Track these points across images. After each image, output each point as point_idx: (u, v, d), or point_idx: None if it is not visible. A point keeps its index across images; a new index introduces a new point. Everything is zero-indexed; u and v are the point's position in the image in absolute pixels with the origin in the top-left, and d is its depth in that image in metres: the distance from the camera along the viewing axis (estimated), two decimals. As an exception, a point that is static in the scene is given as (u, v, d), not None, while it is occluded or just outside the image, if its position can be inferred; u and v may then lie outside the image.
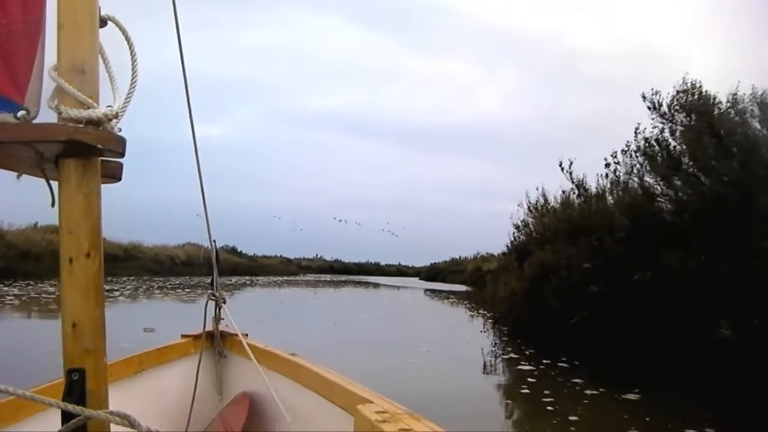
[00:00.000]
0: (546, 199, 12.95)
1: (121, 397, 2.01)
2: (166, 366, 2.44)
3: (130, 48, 1.07)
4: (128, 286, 19.36)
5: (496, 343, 9.75)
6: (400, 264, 79.35)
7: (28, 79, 0.99)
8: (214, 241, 2.53)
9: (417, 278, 58.39)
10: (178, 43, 1.84)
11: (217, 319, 2.58)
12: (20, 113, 0.96)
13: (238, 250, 45.65)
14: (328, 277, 50.20)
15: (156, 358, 2.40)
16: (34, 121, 0.97)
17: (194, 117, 1.80)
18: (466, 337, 10.39)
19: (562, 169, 10.91)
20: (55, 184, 0.96)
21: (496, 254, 34.42)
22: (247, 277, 35.38)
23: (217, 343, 2.63)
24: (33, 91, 0.99)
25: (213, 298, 2.51)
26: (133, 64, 1.06)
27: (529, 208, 13.71)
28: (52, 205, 0.96)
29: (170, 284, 22.56)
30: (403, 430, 1.26)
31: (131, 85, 1.05)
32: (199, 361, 2.40)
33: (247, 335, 2.58)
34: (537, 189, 13.26)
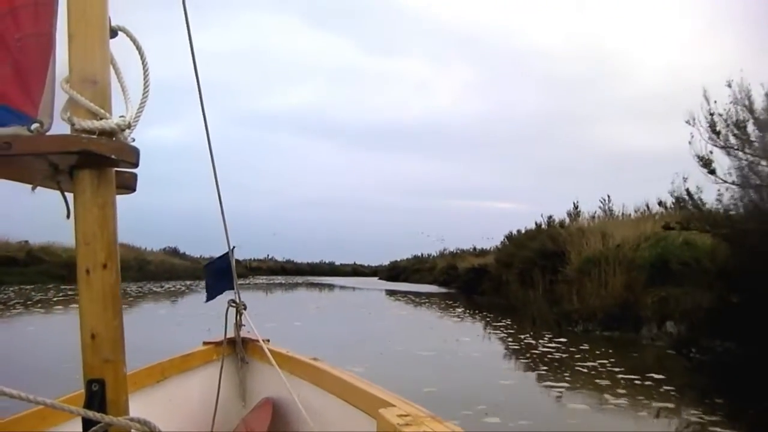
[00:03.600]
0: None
1: (144, 405, 2.02)
2: (188, 373, 2.46)
3: (141, 58, 1.07)
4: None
5: None
6: (355, 263, 77.05)
7: (41, 91, 0.99)
8: (234, 247, 2.53)
9: (376, 278, 54.62)
10: (190, 51, 1.84)
11: (239, 325, 2.60)
12: (34, 126, 0.96)
13: (180, 252, 42.23)
14: (281, 279, 46.24)
15: (178, 366, 2.41)
16: (48, 133, 0.97)
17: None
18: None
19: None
20: (70, 195, 0.96)
21: (466, 249, 31.98)
22: (188, 282, 30.99)
23: (238, 349, 2.64)
24: (46, 103, 0.99)
25: (233, 305, 2.53)
26: (144, 74, 1.06)
27: (727, 122, 6.98)
28: (68, 216, 0.96)
29: (58, 297, 16.85)
30: None
31: (143, 94, 1.04)
32: (221, 367, 2.41)
33: (268, 341, 2.58)
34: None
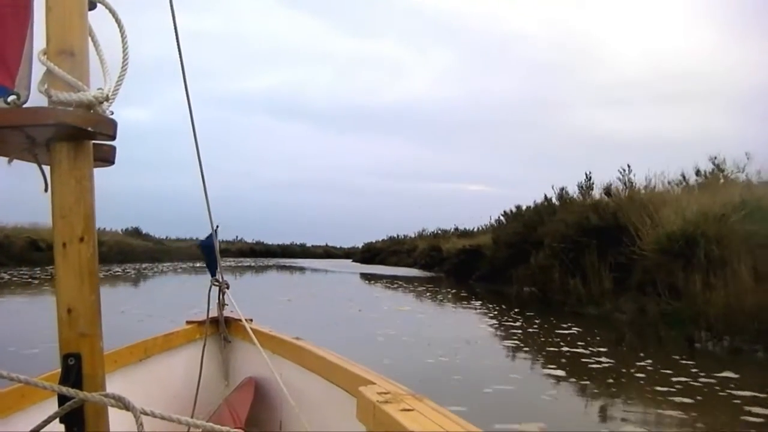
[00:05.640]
0: None
1: (127, 384, 2.03)
2: (171, 352, 2.46)
3: (120, 31, 1.06)
4: None
5: None
6: (327, 245, 77.50)
7: (17, 63, 0.98)
8: (217, 226, 2.53)
9: (349, 260, 53.13)
10: (174, 33, 1.81)
11: (222, 304, 2.60)
12: (10, 98, 0.95)
13: (143, 232, 40.33)
14: (250, 261, 44.24)
15: (161, 345, 2.42)
16: (25, 106, 0.96)
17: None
18: None
19: None
20: (47, 168, 0.96)
21: (448, 230, 30.90)
22: (144, 265, 28.63)
23: (221, 328, 2.65)
24: (23, 75, 0.98)
25: (216, 284, 2.53)
26: (123, 47, 1.05)
27: None
28: (45, 189, 0.95)
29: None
30: (405, 410, 1.27)
31: (122, 67, 1.04)
32: (204, 346, 2.42)
33: (251, 320, 2.59)
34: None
